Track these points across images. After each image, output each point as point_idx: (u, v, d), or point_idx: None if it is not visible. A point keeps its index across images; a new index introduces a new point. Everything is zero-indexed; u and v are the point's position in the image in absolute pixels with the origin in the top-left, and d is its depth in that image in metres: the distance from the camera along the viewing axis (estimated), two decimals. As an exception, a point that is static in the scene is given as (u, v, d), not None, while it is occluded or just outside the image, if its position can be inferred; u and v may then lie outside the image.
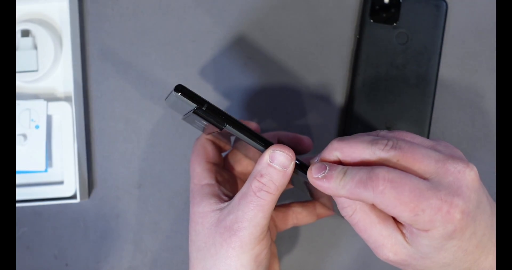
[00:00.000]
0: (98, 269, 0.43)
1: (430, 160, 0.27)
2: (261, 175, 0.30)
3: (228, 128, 0.30)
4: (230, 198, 0.33)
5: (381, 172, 0.27)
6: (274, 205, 0.31)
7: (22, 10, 0.44)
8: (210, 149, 0.36)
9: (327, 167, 0.29)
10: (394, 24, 0.42)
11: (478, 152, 0.43)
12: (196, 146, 0.36)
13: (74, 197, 0.42)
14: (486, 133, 0.43)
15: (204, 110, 0.30)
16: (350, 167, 0.28)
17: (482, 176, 0.44)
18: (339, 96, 0.43)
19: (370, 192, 0.27)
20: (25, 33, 0.43)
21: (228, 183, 0.36)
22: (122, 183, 0.44)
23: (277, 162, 0.30)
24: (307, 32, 0.44)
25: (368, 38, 0.42)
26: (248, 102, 0.44)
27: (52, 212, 0.44)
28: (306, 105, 0.43)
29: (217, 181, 0.34)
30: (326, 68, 0.44)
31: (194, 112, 0.29)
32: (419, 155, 0.27)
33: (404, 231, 0.28)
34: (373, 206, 0.28)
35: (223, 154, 0.38)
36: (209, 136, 0.36)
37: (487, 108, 0.43)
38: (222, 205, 0.32)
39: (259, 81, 0.43)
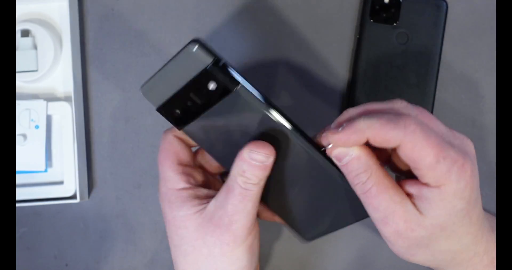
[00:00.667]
0: (98, 269, 0.43)
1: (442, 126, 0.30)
2: (244, 171, 0.31)
3: (242, 90, 0.30)
4: (210, 197, 0.33)
5: (411, 116, 0.28)
6: (260, 194, 0.32)
7: (22, 10, 0.44)
8: (180, 149, 0.34)
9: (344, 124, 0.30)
10: (394, 24, 0.42)
11: (478, 152, 0.43)
12: (164, 144, 0.34)
13: (74, 197, 0.42)
14: (486, 133, 0.43)
15: (221, 65, 0.30)
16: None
17: (481, 176, 0.44)
18: (339, 96, 0.43)
19: (401, 130, 0.27)
20: (25, 33, 0.43)
21: (202, 183, 0.35)
22: (122, 183, 0.44)
23: (256, 160, 0.31)
24: (307, 32, 0.44)
25: (368, 38, 0.42)
26: (248, 102, 0.44)
27: (52, 212, 0.44)
28: (306, 105, 0.43)
29: (192, 183, 0.34)
30: (326, 68, 0.44)
31: (213, 65, 0.29)
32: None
33: (414, 201, 0.29)
34: (386, 173, 0.29)
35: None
36: (178, 132, 0.34)
37: (487, 108, 0.43)
38: (204, 205, 0.32)
39: (259, 81, 0.43)
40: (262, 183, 0.32)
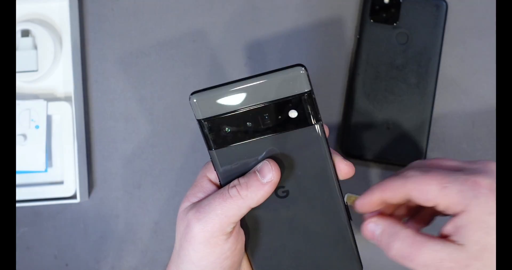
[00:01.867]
0: (98, 269, 0.43)
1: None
2: (243, 177, 0.30)
3: (319, 127, 0.30)
4: None
5: (413, 167, 0.32)
6: (236, 211, 0.30)
7: (22, 10, 0.44)
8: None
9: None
10: (394, 24, 0.42)
11: (478, 152, 0.43)
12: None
13: (74, 197, 0.42)
14: (486, 133, 0.43)
15: (314, 97, 0.29)
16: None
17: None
18: (339, 96, 0.43)
19: (402, 181, 0.30)
20: (25, 33, 0.43)
21: None
22: (122, 183, 0.44)
23: (262, 173, 0.30)
24: (307, 32, 0.44)
25: (368, 38, 0.42)
26: (248, 102, 0.44)
27: (52, 212, 0.44)
28: (306, 105, 0.43)
29: None
30: (326, 68, 0.44)
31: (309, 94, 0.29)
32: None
33: (453, 238, 0.29)
34: (415, 232, 0.30)
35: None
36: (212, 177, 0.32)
37: (487, 108, 0.43)
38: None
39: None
40: (245, 202, 0.30)
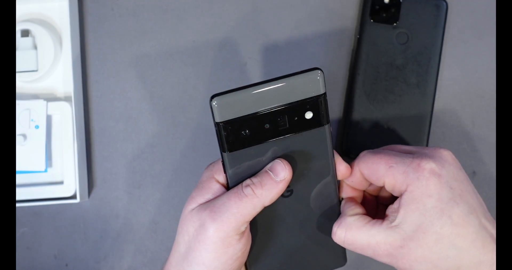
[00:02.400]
0: (98, 269, 0.43)
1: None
2: (255, 177, 0.31)
3: (328, 128, 0.31)
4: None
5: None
6: (251, 210, 0.30)
7: (22, 10, 0.44)
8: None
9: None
10: (394, 24, 0.42)
11: (478, 152, 0.43)
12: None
13: (74, 197, 0.42)
14: (486, 133, 0.43)
15: (326, 99, 0.30)
16: None
17: (481, 176, 0.44)
18: (339, 96, 0.43)
19: (354, 163, 0.33)
20: (25, 33, 0.43)
21: None
22: (122, 183, 0.44)
23: (275, 172, 0.30)
24: (307, 32, 0.44)
25: (368, 38, 0.42)
26: (248, 102, 0.44)
27: (52, 212, 0.44)
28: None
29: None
30: (326, 68, 0.44)
31: (323, 97, 0.30)
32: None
33: (391, 218, 0.30)
34: (356, 217, 0.32)
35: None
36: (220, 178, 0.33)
37: (487, 108, 0.43)
38: None
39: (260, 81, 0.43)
40: (260, 201, 0.30)
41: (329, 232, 0.33)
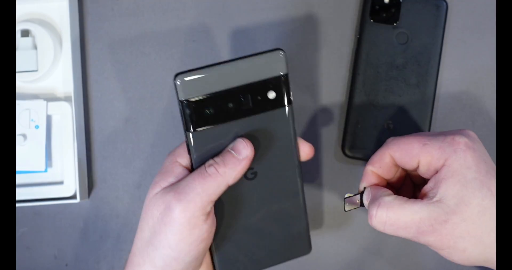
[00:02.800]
0: (98, 269, 0.43)
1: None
2: (218, 156, 0.31)
3: (291, 109, 0.31)
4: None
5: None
6: (216, 189, 0.30)
7: (21, 10, 0.44)
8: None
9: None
10: (394, 24, 0.42)
11: (478, 152, 0.43)
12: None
13: (74, 197, 0.42)
14: (486, 133, 0.43)
15: (289, 80, 0.31)
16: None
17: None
18: (339, 96, 0.43)
19: (384, 147, 0.33)
20: (25, 33, 0.43)
21: None
22: (122, 183, 0.44)
23: (237, 150, 0.31)
24: (307, 32, 0.44)
25: (368, 38, 0.42)
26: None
27: (52, 212, 0.44)
28: (306, 105, 0.43)
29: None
30: (326, 68, 0.44)
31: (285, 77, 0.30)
32: None
33: (430, 194, 0.30)
34: (395, 196, 0.31)
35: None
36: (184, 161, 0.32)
37: (487, 108, 0.43)
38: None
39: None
40: (224, 179, 0.30)
41: (293, 216, 0.33)
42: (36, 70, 0.42)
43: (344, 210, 0.35)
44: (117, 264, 0.43)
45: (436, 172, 0.31)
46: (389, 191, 0.32)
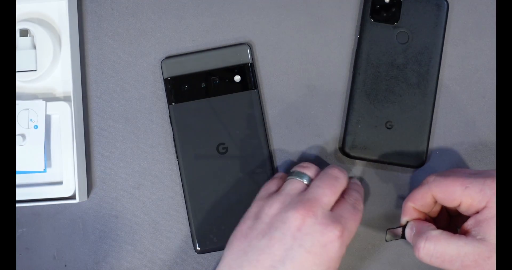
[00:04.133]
0: (98, 270, 0.43)
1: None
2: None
3: (256, 93, 0.41)
4: None
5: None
6: None
7: (21, 9, 0.44)
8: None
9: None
10: (395, 24, 0.42)
11: (478, 152, 0.43)
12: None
13: (73, 197, 0.42)
14: (486, 133, 0.43)
15: (254, 69, 0.42)
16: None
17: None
18: (339, 96, 0.43)
19: (425, 186, 0.35)
20: (24, 33, 0.43)
21: None
22: (121, 184, 0.44)
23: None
24: (307, 32, 0.44)
25: (369, 37, 0.42)
26: (248, 102, 0.44)
27: (51, 213, 0.43)
28: (306, 105, 0.43)
29: None
30: (326, 68, 0.44)
31: None
32: None
33: (474, 232, 0.32)
34: (440, 231, 0.33)
35: None
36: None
37: (487, 108, 0.43)
38: None
39: (259, 81, 0.43)
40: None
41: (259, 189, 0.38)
42: (35, 70, 0.42)
43: (386, 240, 0.40)
44: (116, 264, 0.43)
45: (477, 212, 0.32)
46: (434, 226, 0.34)
